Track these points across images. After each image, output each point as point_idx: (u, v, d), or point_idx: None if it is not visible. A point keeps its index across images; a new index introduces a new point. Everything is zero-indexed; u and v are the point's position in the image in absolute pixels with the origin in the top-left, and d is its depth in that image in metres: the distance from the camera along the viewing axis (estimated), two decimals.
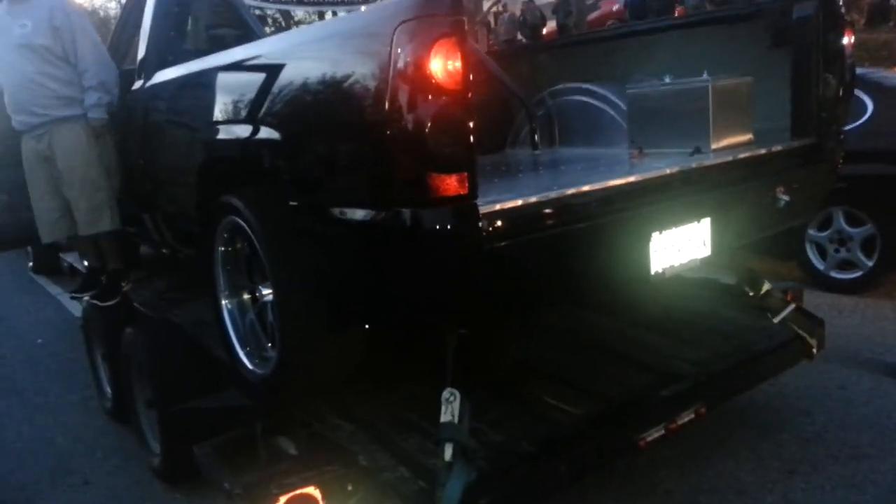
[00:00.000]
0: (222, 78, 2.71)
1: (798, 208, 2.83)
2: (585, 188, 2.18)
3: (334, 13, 4.17)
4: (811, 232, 4.96)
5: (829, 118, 2.84)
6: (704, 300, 3.45)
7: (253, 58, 2.50)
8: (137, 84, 3.59)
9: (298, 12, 4.29)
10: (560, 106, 3.70)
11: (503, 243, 1.96)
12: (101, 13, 34.65)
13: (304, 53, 2.23)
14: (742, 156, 2.61)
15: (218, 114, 2.67)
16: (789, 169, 2.75)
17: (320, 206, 2.15)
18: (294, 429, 2.56)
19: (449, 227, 1.83)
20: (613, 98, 3.35)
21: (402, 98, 1.78)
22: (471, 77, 1.78)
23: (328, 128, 2.07)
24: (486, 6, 20.11)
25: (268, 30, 4.07)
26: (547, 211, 2.07)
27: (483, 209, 1.90)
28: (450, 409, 2.10)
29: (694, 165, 2.49)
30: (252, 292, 2.73)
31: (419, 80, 1.75)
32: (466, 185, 1.82)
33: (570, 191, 2.14)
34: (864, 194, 4.73)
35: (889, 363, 3.77)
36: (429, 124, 1.75)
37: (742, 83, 2.78)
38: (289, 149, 2.24)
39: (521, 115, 3.84)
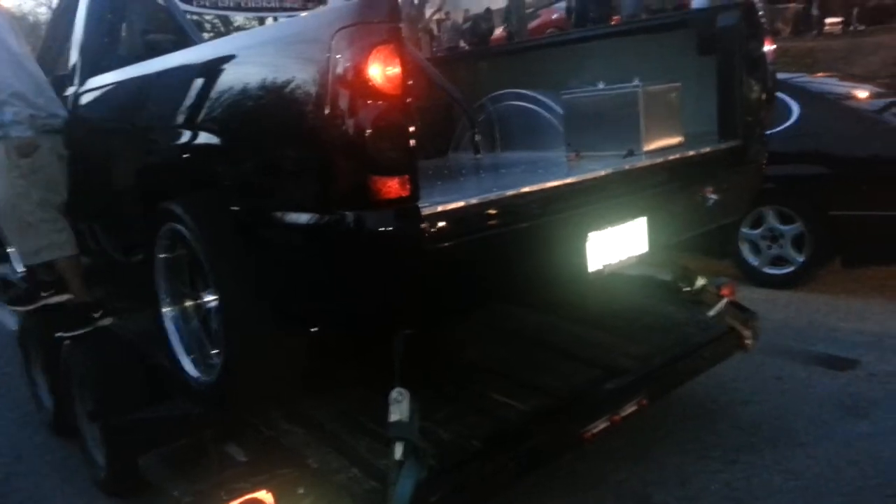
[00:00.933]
0: (160, 83, 2.69)
1: (727, 207, 2.97)
2: (524, 189, 2.24)
3: (275, 19, 4.18)
4: (744, 230, 5.16)
5: (754, 122, 2.98)
6: (644, 297, 3.57)
7: (192, 63, 2.50)
8: (69, 90, 3.52)
9: (238, 18, 4.26)
10: (500, 111, 3.77)
11: (445, 244, 2.00)
12: (31, 18, 33.58)
13: (243, 58, 2.24)
14: (672, 157, 2.72)
15: (156, 120, 2.65)
16: (717, 170, 2.88)
17: (262, 211, 2.16)
18: (243, 435, 2.55)
19: (391, 228, 1.86)
20: (551, 103, 3.44)
21: (342, 103, 1.81)
22: (409, 82, 1.82)
23: (269, 133, 2.08)
24: (428, 13, 20.26)
25: (206, 35, 4.04)
26: (487, 212, 2.12)
27: (425, 210, 1.94)
28: (398, 408, 2.13)
29: (627, 167, 2.58)
30: (195, 299, 2.71)
31: (358, 85, 1.78)
32: (408, 187, 1.86)
33: (510, 192, 2.20)
34: (793, 193, 4.96)
35: (821, 354, 3.96)
36: (369, 129, 1.78)
37: (671, 88, 2.90)
38: (229, 154, 2.24)
39: (463, 120, 3.90)
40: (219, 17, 4.21)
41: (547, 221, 2.29)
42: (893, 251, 4.70)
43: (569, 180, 2.38)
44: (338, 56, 1.81)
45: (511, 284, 2.34)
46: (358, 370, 2.85)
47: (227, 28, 4.24)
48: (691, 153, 2.81)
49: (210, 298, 2.54)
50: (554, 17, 18.62)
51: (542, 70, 3.82)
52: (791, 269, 5.01)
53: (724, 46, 2.96)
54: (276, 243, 2.18)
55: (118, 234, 3.42)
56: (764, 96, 2.99)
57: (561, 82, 3.41)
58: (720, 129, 3.02)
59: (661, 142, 2.88)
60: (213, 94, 2.28)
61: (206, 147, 2.30)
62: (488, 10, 19.39)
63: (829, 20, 13.84)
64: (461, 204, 2.06)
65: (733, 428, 3.30)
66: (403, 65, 1.81)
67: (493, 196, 2.15)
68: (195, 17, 3.89)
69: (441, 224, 1.98)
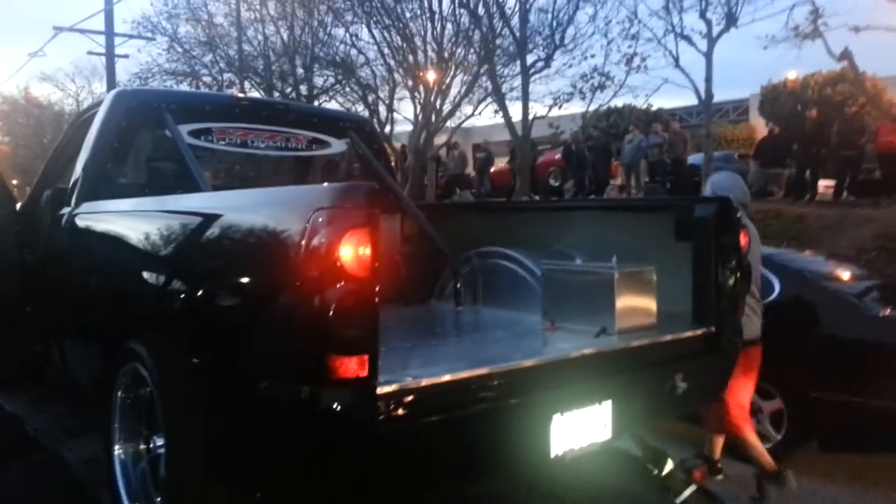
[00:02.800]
0: (142, 224, 2.75)
1: (696, 395, 2.94)
2: (489, 370, 2.23)
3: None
4: None
5: (727, 309, 3.02)
6: (613, 475, 3.48)
7: (174, 210, 2.56)
8: (65, 210, 3.59)
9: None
10: (485, 266, 3.84)
11: (401, 426, 1.97)
12: (57, 107, 34.89)
13: (226, 217, 2.29)
14: (644, 342, 2.73)
15: (132, 259, 2.68)
16: (688, 356, 2.88)
17: (221, 369, 2.14)
18: None
19: (345, 407, 1.85)
20: (533, 267, 3.50)
21: (310, 279, 1.84)
22: (375, 263, 1.85)
23: (239, 294, 2.11)
24: (437, 142, 21.14)
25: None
26: (448, 393, 2.11)
27: (382, 389, 1.93)
28: None
29: (595, 350, 2.59)
30: (147, 442, 2.65)
31: (328, 264, 1.82)
32: (366, 367, 1.86)
33: (476, 372, 2.19)
34: (773, 369, 4.93)
35: None
36: (333, 307, 1.81)
37: (646, 271, 2.96)
38: (196, 307, 2.26)
39: (448, 270, 3.97)
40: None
41: (511, 404, 2.26)
42: (870, 439, 4.62)
43: (535, 362, 2.38)
44: (313, 233, 1.86)
45: (467, 469, 2.28)
46: None
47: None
48: (665, 338, 2.83)
49: (160, 443, 2.48)
50: (556, 157, 19.37)
51: (529, 231, 3.92)
52: (768, 445, 4.88)
53: (699, 235, 3.05)
54: (229, 403, 2.15)
55: (85, 361, 3.38)
56: (738, 286, 3.04)
57: (546, 245, 3.49)
58: (694, 313, 3.05)
59: (635, 323, 2.90)
60: (191, 245, 2.32)
61: (176, 295, 2.32)
62: (485, 142, 20.28)
63: (822, 182, 14.33)
64: (422, 383, 2.05)
65: None
66: (374, 249, 1.85)
67: (457, 376, 2.14)
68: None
69: (398, 406, 1.96)
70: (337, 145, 4.58)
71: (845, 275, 5.53)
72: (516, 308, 3.50)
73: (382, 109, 18.10)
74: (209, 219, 2.33)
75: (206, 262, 2.26)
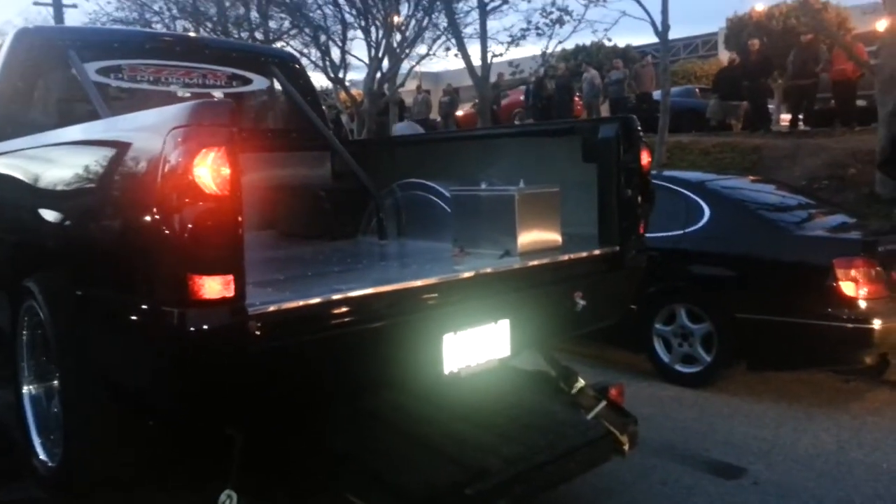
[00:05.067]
0: (23, 163, 2.71)
1: (598, 312, 3.00)
2: (373, 290, 2.26)
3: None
4: (658, 326, 5.22)
5: (630, 229, 3.06)
6: (535, 393, 3.55)
7: (50, 143, 2.52)
8: None
9: None
10: (406, 199, 3.84)
11: (276, 344, 1.99)
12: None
13: (97, 145, 2.26)
14: (539, 262, 2.76)
15: (23, 197, 2.65)
16: (589, 275, 2.93)
17: (98, 299, 2.15)
18: None
19: (212, 328, 1.86)
20: (448, 196, 3.51)
21: (168, 200, 1.83)
22: (235, 183, 1.84)
23: (107, 221, 2.10)
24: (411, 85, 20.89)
25: None
26: (327, 312, 2.13)
27: (255, 310, 1.94)
28: None
29: (489, 271, 2.62)
30: (50, 380, 2.66)
31: (184, 184, 1.81)
32: (232, 287, 1.87)
33: (359, 293, 2.21)
34: (702, 293, 5.05)
35: (712, 460, 3.95)
36: (190, 227, 1.80)
37: (549, 192, 2.98)
38: (72, 239, 2.25)
39: (372, 205, 3.97)
40: None
41: (394, 323, 2.29)
42: (794, 357, 4.77)
43: (423, 282, 2.40)
44: (169, 153, 1.84)
45: (352, 385, 2.32)
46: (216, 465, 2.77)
47: None
48: (563, 258, 2.87)
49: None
50: (521, 98, 19.24)
51: (451, 162, 3.92)
52: (699, 368, 5.05)
53: (603, 156, 3.07)
54: (109, 332, 2.16)
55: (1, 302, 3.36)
56: (640, 204, 3.08)
57: (466, 176, 3.50)
58: (600, 233, 3.10)
59: (538, 244, 2.94)
60: (63, 177, 2.30)
61: (56, 228, 2.30)
62: (449, 86, 20.03)
63: (784, 117, 14.39)
64: (300, 304, 2.07)
65: None
66: (233, 167, 1.84)
67: (335, 296, 2.16)
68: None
69: (272, 324, 1.98)
70: (259, 82, 4.50)
71: (777, 199, 5.62)
72: (436, 238, 3.51)
73: (337, 53, 17.77)
74: (80, 149, 2.30)
75: (75, 192, 2.23)
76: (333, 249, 3.45)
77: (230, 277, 1.86)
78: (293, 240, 3.94)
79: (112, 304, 2.08)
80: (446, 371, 2.46)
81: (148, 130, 2.00)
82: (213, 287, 1.83)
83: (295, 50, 17.87)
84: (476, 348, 2.55)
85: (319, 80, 16.39)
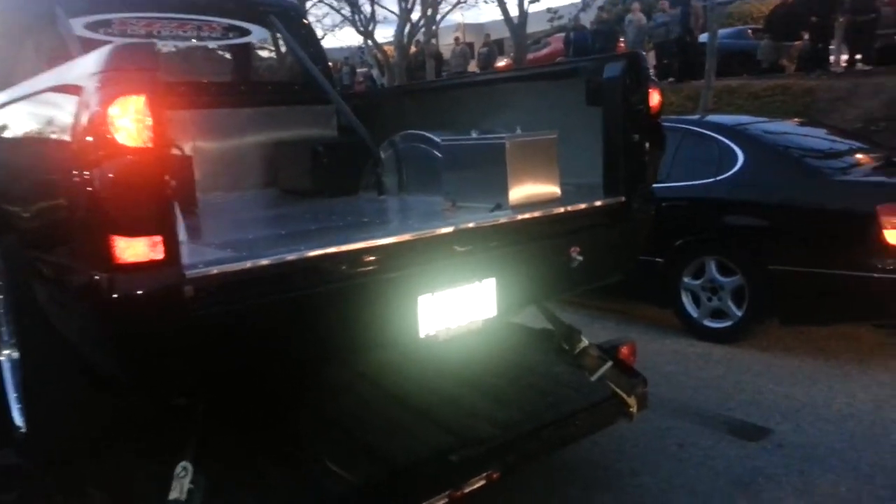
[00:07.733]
0: None
1: (600, 268, 2.77)
2: (331, 250, 2.08)
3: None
4: (686, 280, 4.94)
5: (637, 177, 2.80)
6: (538, 352, 3.36)
7: (9, 101, 2.38)
8: None
9: None
10: (406, 151, 3.64)
11: (219, 309, 1.85)
12: None
13: (34, 100, 2.12)
14: (528, 216, 2.54)
15: None
16: (589, 228, 2.70)
17: (45, 263, 2.04)
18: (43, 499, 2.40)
19: (142, 293, 1.72)
20: None
21: (86, 155, 1.68)
22: (160, 135, 1.68)
23: (40, 182, 1.96)
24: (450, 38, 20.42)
25: None
26: (278, 274, 1.97)
27: (194, 273, 1.80)
28: (178, 484, 1.98)
29: (471, 225, 2.41)
30: None
31: (101, 136, 1.65)
32: (161, 249, 1.71)
33: (312, 253, 2.04)
34: (734, 245, 4.74)
35: (735, 420, 3.72)
36: (106, 184, 1.65)
37: (544, 140, 2.73)
38: (17, 200, 2.13)
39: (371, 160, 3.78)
40: None
41: (357, 284, 2.12)
42: (832, 311, 4.45)
43: (390, 240, 2.21)
44: (85, 103, 1.68)
45: (318, 351, 2.17)
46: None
47: None
48: (557, 210, 2.64)
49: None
50: (562, 46, 18.59)
51: (453, 111, 3.69)
52: (729, 323, 4.76)
53: (608, 98, 2.79)
54: (58, 297, 2.05)
55: None
56: (648, 150, 2.81)
57: (468, 125, 3.27)
58: (605, 183, 2.85)
59: (532, 196, 2.71)
60: (14, 134, 2.18)
61: (6, 189, 2.19)
62: (487, 37, 19.50)
63: (844, 57, 13.46)
64: (247, 265, 1.91)
65: (615, 499, 3.08)
66: (155, 116, 1.67)
67: (288, 257, 1.99)
68: None
69: (213, 288, 1.83)
70: (258, 32, 4.31)
71: (820, 144, 5.21)
72: (434, 192, 3.32)
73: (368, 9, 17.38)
74: (27, 104, 2.16)
75: (21, 150, 2.11)
76: (325, 207, 3.28)
77: (158, 238, 1.70)
78: (292, 197, 3.79)
79: (54, 269, 1.98)
80: (422, 334, 2.29)
81: (73, 79, 1.84)
82: (139, 249, 1.68)
83: (325, 4, 17.59)
84: (457, 309, 2.37)
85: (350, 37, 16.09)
